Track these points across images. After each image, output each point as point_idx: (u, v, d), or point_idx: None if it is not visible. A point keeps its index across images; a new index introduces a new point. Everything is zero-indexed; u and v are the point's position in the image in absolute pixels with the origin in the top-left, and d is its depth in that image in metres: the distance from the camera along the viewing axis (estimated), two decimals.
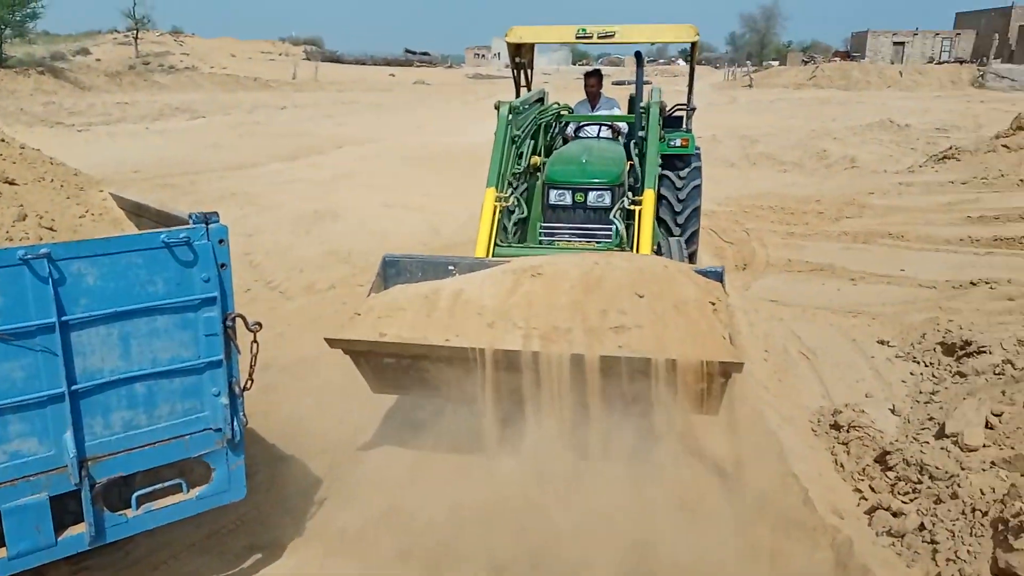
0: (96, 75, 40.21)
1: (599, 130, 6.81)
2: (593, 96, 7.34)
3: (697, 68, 7.71)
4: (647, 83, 7.08)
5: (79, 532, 2.77)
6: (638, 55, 6.60)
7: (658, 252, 5.46)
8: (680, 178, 6.61)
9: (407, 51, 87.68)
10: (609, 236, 5.20)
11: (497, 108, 5.72)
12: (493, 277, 4.13)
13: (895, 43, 61.05)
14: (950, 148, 15.05)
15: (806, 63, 60.75)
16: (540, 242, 5.38)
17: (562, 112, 7.23)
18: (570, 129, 7.00)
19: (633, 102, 7.00)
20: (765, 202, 11.72)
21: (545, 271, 4.08)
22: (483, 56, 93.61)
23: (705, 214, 10.91)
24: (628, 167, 5.68)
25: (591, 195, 5.29)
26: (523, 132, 6.00)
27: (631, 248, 5.06)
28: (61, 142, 17.78)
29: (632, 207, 5.19)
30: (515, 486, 4.02)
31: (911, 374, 5.32)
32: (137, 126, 24.17)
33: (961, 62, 54.31)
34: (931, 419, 4.51)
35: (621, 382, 3.70)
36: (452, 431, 4.79)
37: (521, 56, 7.37)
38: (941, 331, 5.71)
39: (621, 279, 3.92)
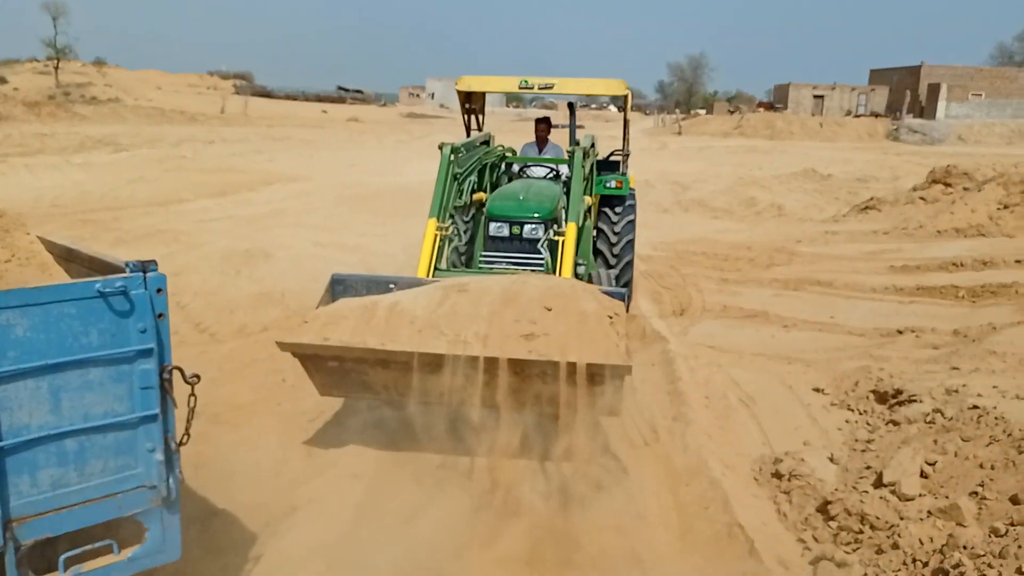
0: (13, 104, 38.87)
1: (546, 172, 7.41)
2: (542, 140, 7.88)
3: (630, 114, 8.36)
4: (581, 127, 7.75)
5: None
6: (571, 105, 7.57)
7: (590, 280, 6.28)
8: (616, 214, 7.56)
9: (340, 88, 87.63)
10: (542, 264, 5.79)
11: (440, 148, 6.12)
12: (426, 292, 4.65)
13: (815, 96, 63.96)
14: (871, 199, 15.73)
15: (732, 112, 63.10)
16: (480, 269, 5.89)
17: (506, 154, 7.73)
18: (515, 168, 7.64)
19: None
20: (698, 247, 11.99)
21: (470, 288, 4.63)
22: (418, 96, 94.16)
23: (641, 258, 11.16)
24: (561, 204, 6.17)
25: (526, 227, 5.89)
26: (465, 170, 6.39)
27: (556, 274, 5.48)
28: None
29: (556, 238, 5.75)
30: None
31: (846, 422, 5.44)
32: (57, 158, 23.34)
33: (876, 115, 57.23)
34: (868, 468, 4.60)
35: (531, 383, 4.25)
36: (392, 484, 4.68)
37: (472, 103, 8.05)
38: (873, 379, 5.87)
39: (534, 295, 4.49)
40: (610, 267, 7.54)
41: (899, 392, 5.48)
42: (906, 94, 57.93)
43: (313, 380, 4.75)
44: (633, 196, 7.90)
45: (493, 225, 5.94)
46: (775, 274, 10.08)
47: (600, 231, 7.61)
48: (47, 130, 32.79)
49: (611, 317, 4.40)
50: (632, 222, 7.67)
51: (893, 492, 4.18)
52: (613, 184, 7.63)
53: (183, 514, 3.18)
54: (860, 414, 5.50)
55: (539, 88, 7.56)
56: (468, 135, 7.78)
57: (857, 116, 58.55)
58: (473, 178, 6.72)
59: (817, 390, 6.00)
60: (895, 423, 5.11)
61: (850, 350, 6.94)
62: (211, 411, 5.54)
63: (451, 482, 4.72)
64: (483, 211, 6.27)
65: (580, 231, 5.78)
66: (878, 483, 4.33)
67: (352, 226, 13.67)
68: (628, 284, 7.64)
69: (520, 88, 7.56)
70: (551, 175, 7.41)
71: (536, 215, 5.89)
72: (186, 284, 8.94)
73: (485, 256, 5.98)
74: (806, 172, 23.58)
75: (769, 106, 65.96)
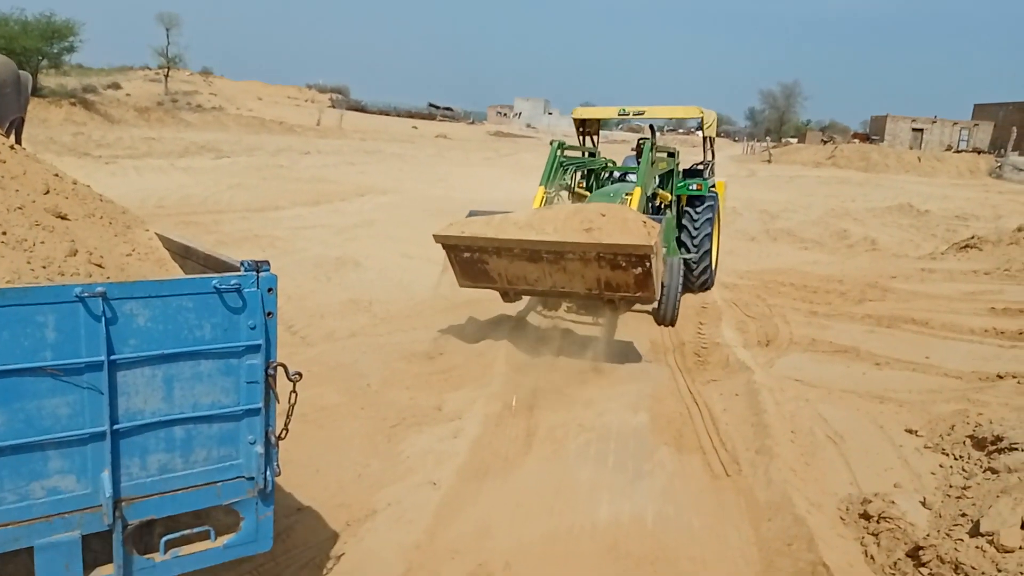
0: (126, 109, 41.05)
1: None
2: (639, 153, 9.65)
3: (716, 140, 10.94)
4: (673, 150, 10.61)
5: (107, 574, 2.70)
6: (651, 127, 10.37)
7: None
8: (697, 212, 10.02)
9: (431, 105, 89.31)
10: None
11: (551, 143, 8.61)
12: (527, 210, 7.28)
13: (914, 128, 61.82)
14: (972, 237, 15.07)
15: (825, 142, 61.50)
16: None
17: (609, 164, 10.31)
18: (616, 174, 10.17)
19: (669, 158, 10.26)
20: (787, 278, 11.71)
21: (554, 206, 7.33)
22: (505, 115, 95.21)
23: (727, 287, 11.02)
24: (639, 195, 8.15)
25: None
26: (569, 162, 8.92)
27: None
28: (88, 173, 18.02)
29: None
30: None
31: (940, 466, 5.22)
32: (163, 162, 24.53)
33: (979, 152, 54.86)
34: (964, 515, 4.40)
35: (591, 265, 6.38)
36: (469, 495, 4.73)
37: (586, 127, 10.48)
38: (971, 424, 5.61)
39: (594, 208, 6.75)
40: (691, 251, 9.89)
41: (999, 439, 5.22)
42: (1012, 130, 55.37)
43: (454, 270, 7.09)
44: (714, 198, 10.21)
45: None
46: (867, 309, 9.76)
47: (683, 226, 9.97)
48: (155, 134, 34.52)
49: (644, 222, 6.43)
50: (710, 220, 9.87)
51: (991, 542, 3.98)
52: (694, 187, 10.11)
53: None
54: (956, 459, 5.26)
55: (633, 115, 9.79)
56: (584, 155, 9.98)
57: (958, 151, 56.26)
58: (577, 173, 9.48)
59: (910, 431, 5.78)
60: (994, 471, 4.87)
61: (946, 392, 6.66)
62: (299, 410, 5.62)
63: (529, 498, 4.75)
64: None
65: (660, 217, 8.08)
66: (974, 532, 4.13)
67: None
68: (706, 270, 10.12)
69: (619, 115, 9.93)
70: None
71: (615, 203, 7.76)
72: (280, 288, 9.21)
73: None
74: (902, 207, 22.77)
75: (865, 137, 64.09)
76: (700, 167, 10.82)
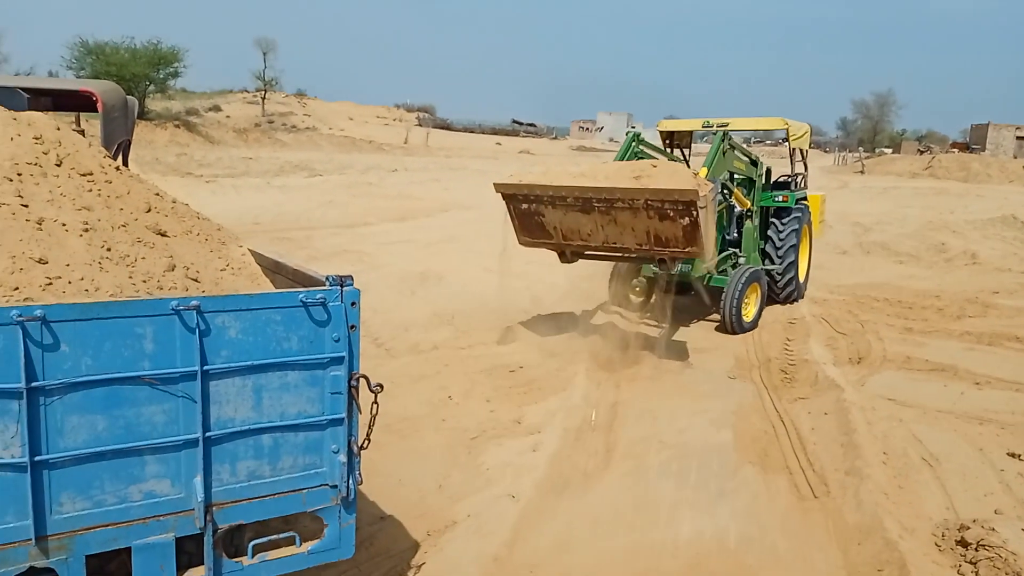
0: (225, 131, 42.94)
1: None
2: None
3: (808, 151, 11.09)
4: (756, 158, 10.32)
5: None
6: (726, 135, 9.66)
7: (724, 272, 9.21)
8: (783, 224, 10.02)
9: (514, 121, 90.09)
10: None
11: (627, 133, 8.81)
12: (581, 165, 7.50)
13: (1019, 137, 58.70)
14: None
15: (922, 152, 59.09)
16: None
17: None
18: None
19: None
20: (880, 293, 11.29)
21: (609, 162, 7.60)
22: (588, 129, 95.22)
23: (816, 301, 10.71)
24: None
25: None
26: (644, 156, 8.77)
27: None
28: (190, 192, 18.93)
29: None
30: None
31: None
32: (259, 180, 25.54)
33: None
34: None
35: (640, 215, 6.55)
36: (548, 510, 4.74)
37: (675, 140, 10.65)
38: None
39: (646, 163, 7.16)
40: (775, 262, 9.90)
41: None
42: None
43: (514, 226, 7.56)
44: (802, 211, 10.23)
45: None
46: (967, 326, 9.30)
47: (768, 237, 10.05)
48: (252, 154, 35.98)
49: (695, 175, 6.65)
50: (796, 231, 9.94)
51: None
52: (780, 198, 10.11)
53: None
54: None
55: (717, 127, 9.45)
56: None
57: None
58: None
59: (1013, 455, 5.48)
60: None
61: None
62: (382, 421, 5.77)
63: (609, 514, 4.72)
64: None
65: (738, 224, 9.54)
66: None
67: (520, 254, 13.97)
68: (791, 281, 10.06)
69: (703, 127, 9.95)
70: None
71: None
72: (366, 301, 9.32)
73: None
74: (1005, 219, 21.60)
75: (964, 147, 61.30)
76: (785, 179, 10.81)
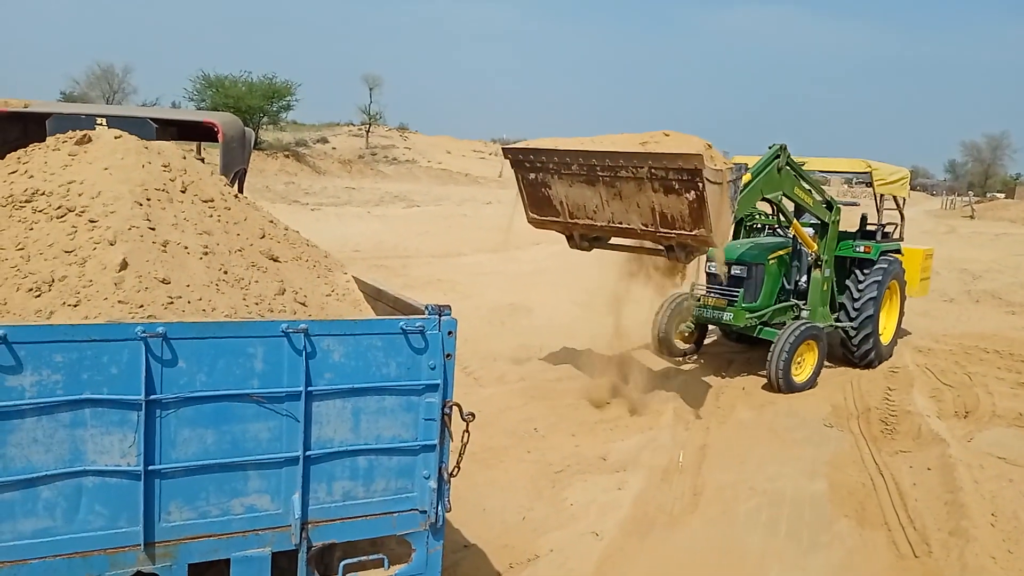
0: (331, 162, 44.58)
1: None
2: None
3: (912, 194, 9.73)
4: (856, 203, 10.88)
5: None
6: (783, 146, 8.48)
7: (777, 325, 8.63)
8: (864, 275, 9.22)
9: None
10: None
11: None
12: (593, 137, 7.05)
13: None
14: None
15: None
16: None
17: (760, 215, 9.96)
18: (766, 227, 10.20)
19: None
20: (990, 344, 10.71)
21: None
22: None
23: (921, 351, 10.26)
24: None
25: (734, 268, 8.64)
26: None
27: None
28: (296, 219, 19.62)
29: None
30: None
31: None
32: (360, 209, 26.40)
33: None
34: None
35: (645, 186, 6.23)
36: (633, 550, 4.68)
37: None
38: None
39: (658, 133, 6.56)
40: (851, 319, 9.08)
41: None
42: None
43: (523, 201, 7.35)
44: (889, 263, 9.31)
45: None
46: None
47: (846, 287, 9.29)
48: (355, 184, 37.28)
49: (709, 146, 6.17)
50: (877, 284, 9.08)
51: None
52: (861, 248, 9.31)
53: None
54: None
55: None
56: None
57: None
58: None
59: None
60: None
61: None
62: (468, 449, 5.90)
63: (694, 559, 4.63)
64: None
65: (808, 274, 9.16)
66: None
67: (607, 288, 13.92)
68: (867, 339, 9.12)
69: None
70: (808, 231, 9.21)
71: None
72: (458, 331, 9.64)
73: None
74: None
75: None
76: (872, 227, 9.78)
